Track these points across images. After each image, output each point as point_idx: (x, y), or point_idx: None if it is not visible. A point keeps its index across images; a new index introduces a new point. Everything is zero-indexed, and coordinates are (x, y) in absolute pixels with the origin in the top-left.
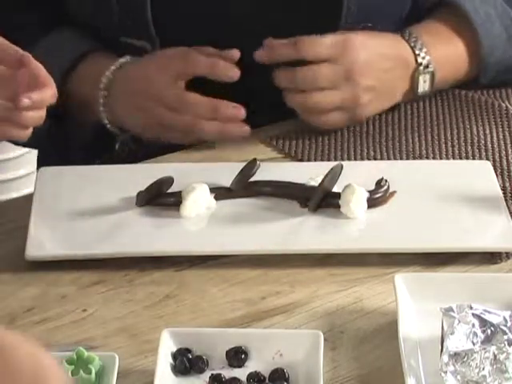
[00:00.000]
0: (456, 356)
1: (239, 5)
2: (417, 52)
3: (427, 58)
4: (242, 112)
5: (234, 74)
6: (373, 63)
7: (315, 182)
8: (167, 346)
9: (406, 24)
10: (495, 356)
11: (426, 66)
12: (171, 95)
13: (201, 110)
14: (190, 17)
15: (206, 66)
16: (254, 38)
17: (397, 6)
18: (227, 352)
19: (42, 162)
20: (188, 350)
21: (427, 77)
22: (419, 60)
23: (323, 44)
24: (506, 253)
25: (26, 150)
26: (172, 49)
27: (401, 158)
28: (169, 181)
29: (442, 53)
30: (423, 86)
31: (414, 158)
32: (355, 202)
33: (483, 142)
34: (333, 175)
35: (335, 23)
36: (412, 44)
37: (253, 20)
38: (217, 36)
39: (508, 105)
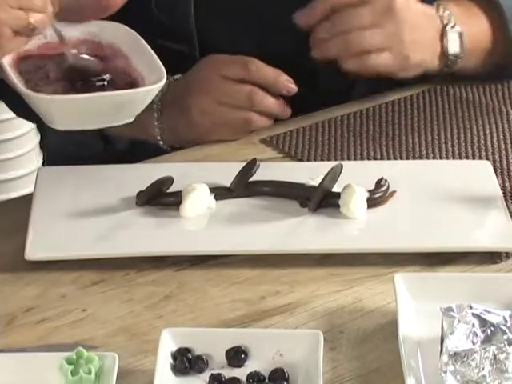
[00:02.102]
0: (456, 356)
1: (279, 13)
2: (440, 13)
3: (453, 19)
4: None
5: (294, 88)
6: (410, 13)
7: (315, 182)
8: (167, 346)
9: None
10: (495, 356)
11: (453, 26)
12: (225, 90)
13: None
14: (232, 23)
15: (270, 74)
16: (292, 45)
17: None
18: (227, 352)
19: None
20: (188, 350)
21: (455, 36)
22: (444, 21)
23: None
24: (506, 253)
25: (26, 149)
26: (229, 55)
27: (401, 158)
28: (169, 181)
29: (469, 20)
30: (454, 45)
31: (414, 158)
32: (355, 202)
33: (483, 141)
34: (333, 175)
35: None
36: (437, 9)
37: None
38: (256, 42)
39: (509, 108)
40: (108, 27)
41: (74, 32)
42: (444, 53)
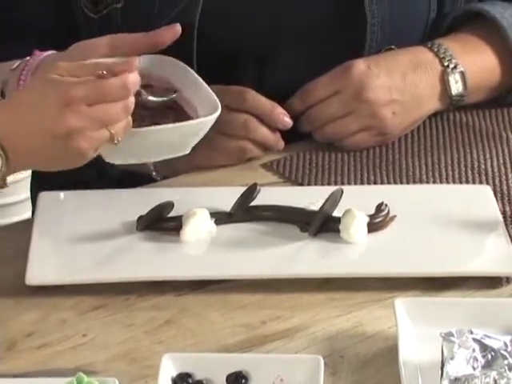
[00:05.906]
0: (456, 381)
1: (279, 51)
2: (441, 56)
3: (454, 60)
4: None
5: (289, 122)
6: (387, 79)
7: (315, 207)
8: (168, 371)
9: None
10: (495, 381)
11: (455, 67)
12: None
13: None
14: (232, 61)
15: (266, 105)
16: (289, 75)
17: (418, 27)
18: (228, 377)
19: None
20: (188, 375)
21: (458, 77)
22: (445, 63)
23: (319, 84)
24: (507, 277)
25: (27, 174)
26: (225, 86)
27: (401, 183)
28: (169, 205)
29: (470, 57)
30: (456, 86)
31: (414, 183)
32: (355, 227)
33: (483, 166)
34: (333, 200)
35: (360, 46)
36: (435, 49)
37: (288, 58)
38: (255, 80)
39: (509, 133)
40: (157, 60)
41: None
42: (447, 95)
